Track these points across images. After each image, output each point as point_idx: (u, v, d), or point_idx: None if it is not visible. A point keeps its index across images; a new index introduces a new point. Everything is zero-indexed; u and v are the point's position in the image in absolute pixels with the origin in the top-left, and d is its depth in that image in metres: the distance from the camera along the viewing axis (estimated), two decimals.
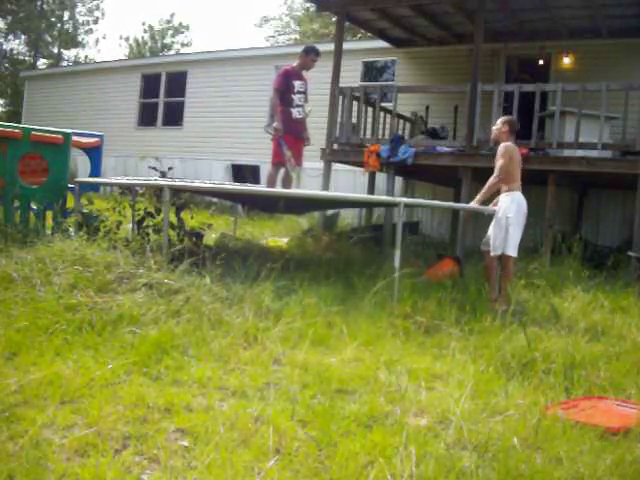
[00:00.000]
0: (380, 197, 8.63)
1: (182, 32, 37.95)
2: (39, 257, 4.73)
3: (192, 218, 7.09)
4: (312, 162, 9.70)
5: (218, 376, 3.30)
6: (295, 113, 7.62)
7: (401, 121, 10.88)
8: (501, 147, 5.87)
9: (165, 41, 37.67)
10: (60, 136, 6.49)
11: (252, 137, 13.45)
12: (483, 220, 6.49)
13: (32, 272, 4.42)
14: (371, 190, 10.18)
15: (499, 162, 5.81)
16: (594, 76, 9.48)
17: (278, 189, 7.41)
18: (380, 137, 9.98)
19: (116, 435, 2.53)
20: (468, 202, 7.56)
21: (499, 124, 6.04)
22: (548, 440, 2.79)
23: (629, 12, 9.60)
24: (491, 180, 5.87)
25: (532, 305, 5.58)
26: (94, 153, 7.76)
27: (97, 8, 33.98)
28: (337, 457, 2.47)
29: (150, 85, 16.84)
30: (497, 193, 6.02)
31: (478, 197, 6.00)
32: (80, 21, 33.67)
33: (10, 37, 31.54)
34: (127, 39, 38.10)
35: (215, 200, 11.78)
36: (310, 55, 7.71)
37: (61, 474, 2.21)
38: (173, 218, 6.53)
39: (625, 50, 10.36)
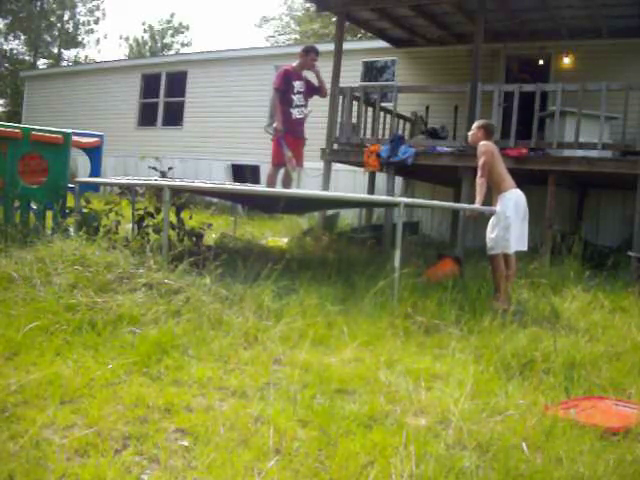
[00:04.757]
0: (380, 197, 8.63)
1: (182, 32, 38.05)
2: (39, 257, 4.71)
3: (192, 218, 7.09)
4: (312, 162, 9.70)
5: (218, 376, 3.30)
6: (295, 113, 7.62)
7: (401, 121, 10.88)
8: (480, 145, 5.89)
9: (165, 41, 37.74)
10: (60, 136, 6.48)
11: (252, 137, 13.45)
12: (483, 220, 6.49)
13: (32, 272, 4.41)
14: (371, 190, 10.18)
15: (480, 160, 5.84)
16: (594, 76, 9.48)
17: (278, 189, 7.41)
18: (380, 137, 9.98)
19: (116, 435, 2.52)
20: (468, 202, 7.56)
21: (474, 129, 6.07)
22: (548, 440, 2.79)
23: (629, 12, 9.61)
24: (477, 180, 5.88)
25: (532, 305, 5.58)
26: (94, 153, 7.76)
27: (97, 8, 34.09)
28: (337, 457, 2.47)
29: (150, 85, 16.84)
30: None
31: (477, 199, 6.00)
32: (80, 21, 33.76)
33: (10, 37, 31.58)
34: (127, 39, 38.22)
35: (215, 200, 11.78)
36: (310, 55, 7.71)
37: (61, 474, 2.21)
38: (173, 218, 6.52)
39: (625, 50, 10.36)
